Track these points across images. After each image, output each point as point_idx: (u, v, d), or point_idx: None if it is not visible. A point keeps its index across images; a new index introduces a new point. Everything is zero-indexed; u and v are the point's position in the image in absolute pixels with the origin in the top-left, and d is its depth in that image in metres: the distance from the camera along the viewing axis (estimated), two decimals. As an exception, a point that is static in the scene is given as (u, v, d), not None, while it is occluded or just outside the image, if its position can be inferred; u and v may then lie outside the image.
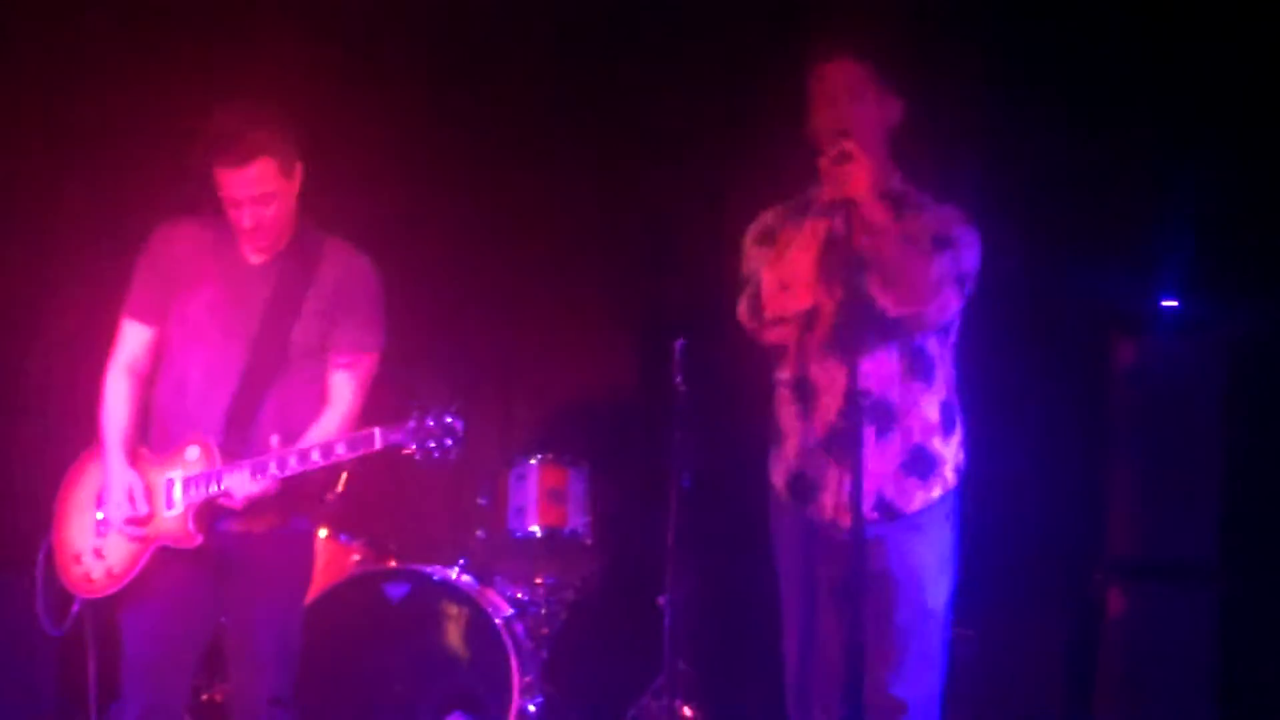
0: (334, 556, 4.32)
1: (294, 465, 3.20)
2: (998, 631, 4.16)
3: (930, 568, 3.10)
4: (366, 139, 4.35)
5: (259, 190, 3.23)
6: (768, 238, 3.12)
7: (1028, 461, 4.05)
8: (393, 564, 4.32)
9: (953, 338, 3.17)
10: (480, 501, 4.48)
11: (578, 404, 4.87)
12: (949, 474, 3.13)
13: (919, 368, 3.08)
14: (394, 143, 4.49)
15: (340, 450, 3.18)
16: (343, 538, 4.38)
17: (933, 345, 3.11)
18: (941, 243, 3.04)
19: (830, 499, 3.03)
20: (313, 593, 3.62)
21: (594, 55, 4.61)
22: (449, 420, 3.06)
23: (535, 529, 4.40)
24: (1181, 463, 4.10)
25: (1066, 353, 4.28)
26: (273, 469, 3.20)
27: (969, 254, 3.08)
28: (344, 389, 3.35)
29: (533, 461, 4.44)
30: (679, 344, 4.01)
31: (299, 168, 3.31)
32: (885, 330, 2.99)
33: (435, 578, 4.23)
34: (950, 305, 3.04)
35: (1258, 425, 4.08)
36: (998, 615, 4.14)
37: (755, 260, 3.12)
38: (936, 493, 3.09)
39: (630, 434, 4.66)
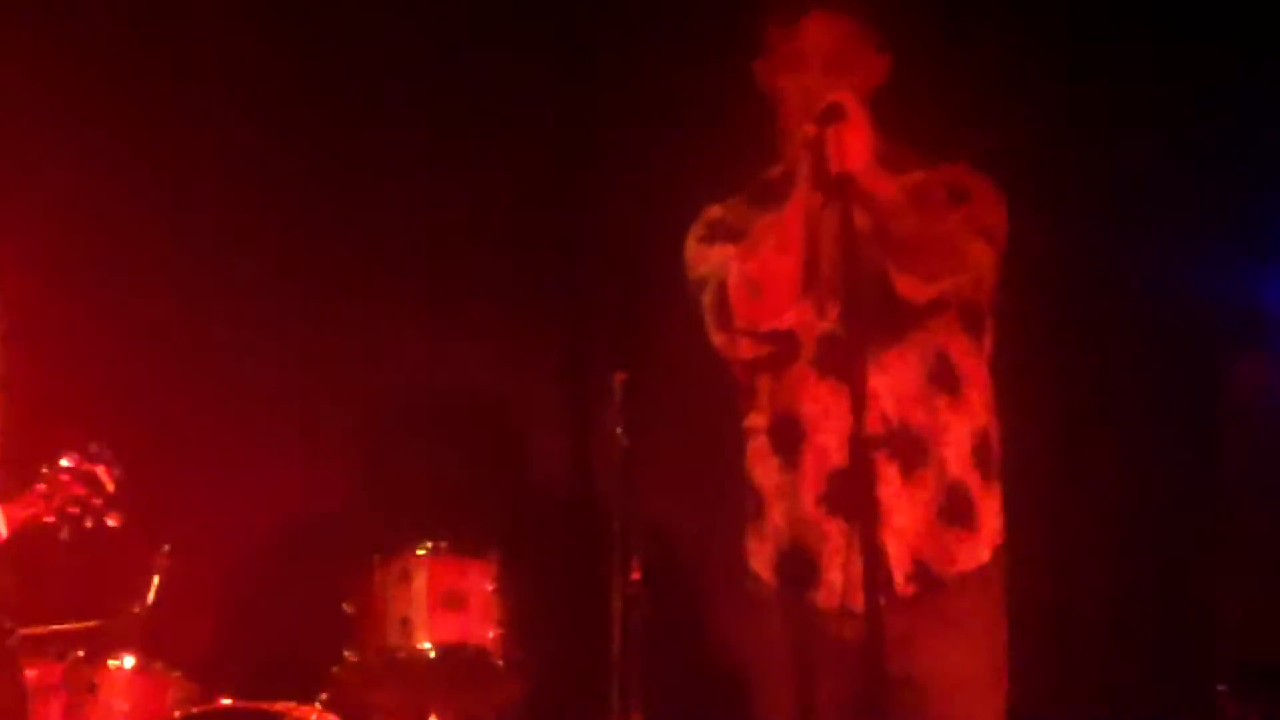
0: (146, 695, 4.24)
1: None
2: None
3: (981, 663, 3.12)
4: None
5: None
6: (720, 233, 3.19)
7: (1100, 522, 4.11)
8: (226, 702, 4.22)
9: (987, 342, 3.20)
10: (346, 609, 4.35)
11: (482, 468, 4.86)
12: (996, 527, 3.16)
13: (945, 378, 3.12)
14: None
15: None
16: (157, 667, 4.29)
17: (960, 348, 3.15)
18: (956, 195, 3.11)
19: (838, 576, 3.03)
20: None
21: (498, 39, 4.78)
22: (84, 465, 2.93)
23: (427, 647, 4.32)
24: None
25: (1157, 372, 4.32)
26: None
27: (989, 207, 3.14)
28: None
29: (421, 552, 4.35)
30: (619, 379, 3.84)
31: None
32: (907, 326, 3.05)
33: (286, 721, 4.17)
34: (985, 268, 3.09)
35: None
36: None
37: (708, 262, 3.17)
38: (987, 552, 3.12)
39: (555, 509, 4.69)
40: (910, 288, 3.04)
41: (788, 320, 3.11)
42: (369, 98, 4.76)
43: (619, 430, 3.84)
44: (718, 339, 3.17)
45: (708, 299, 3.16)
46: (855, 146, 2.92)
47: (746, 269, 3.08)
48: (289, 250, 4.78)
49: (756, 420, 3.20)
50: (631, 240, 4.37)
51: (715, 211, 3.28)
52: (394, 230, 4.84)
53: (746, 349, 3.16)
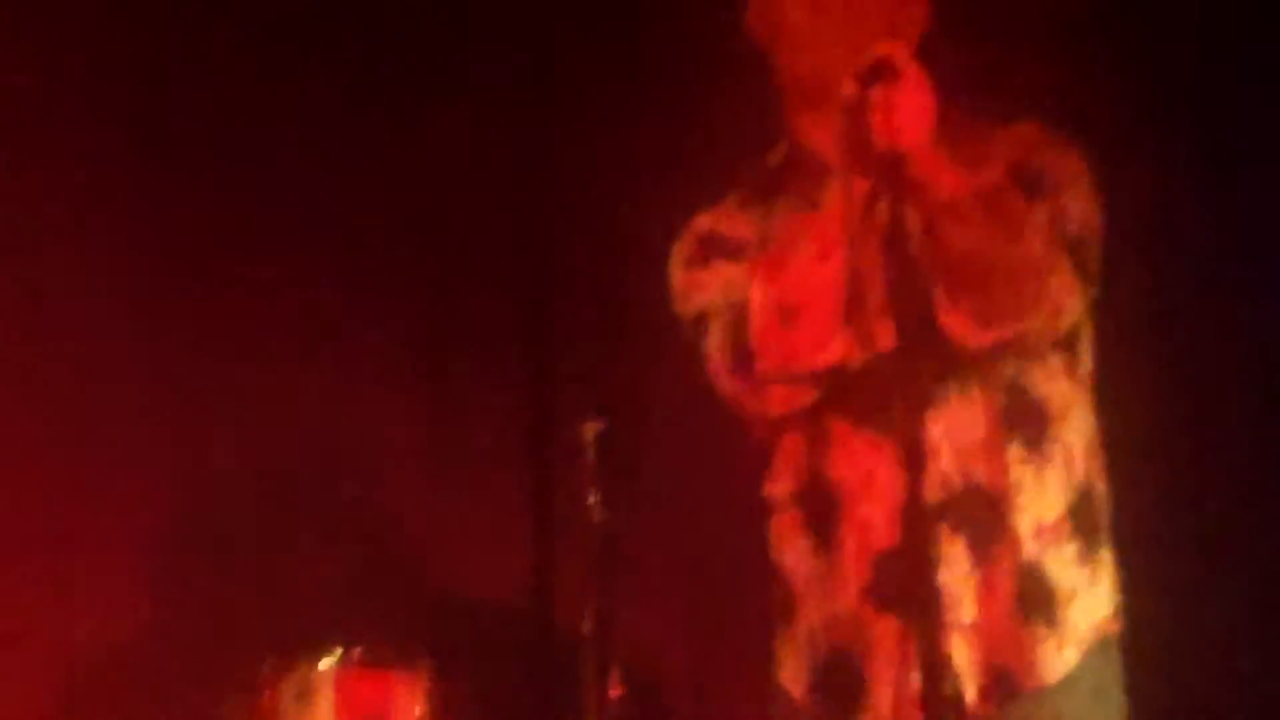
0: None
1: None
2: None
3: None
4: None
5: None
6: (716, 249, 3.06)
7: (1240, 599, 3.99)
8: None
9: (1087, 366, 3.05)
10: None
11: (409, 550, 4.54)
12: (1093, 620, 3.04)
13: (1025, 418, 2.97)
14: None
15: None
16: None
17: (1046, 375, 3.00)
18: (1027, 184, 2.93)
19: (888, 694, 2.84)
20: None
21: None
22: None
23: (337, 788, 4.05)
24: None
25: None
26: None
27: (1078, 193, 2.98)
28: None
29: (326, 664, 4.01)
30: (595, 429, 3.58)
31: None
32: (963, 373, 2.94)
33: None
34: (1065, 301, 2.93)
35: None
36: None
37: (705, 289, 3.05)
38: (1072, 654, 2.99)
39: (506, 604, 4.45)
40: (960, 327, 2.88)
41: (835, 352, 2.91)
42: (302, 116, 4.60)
43: (592, 499, 3.60)
44: (734, 390, 2.98)
45: (715, 338, 2.98)
46: (911, 116, 2.71)
47: (775, 289, 2.91)
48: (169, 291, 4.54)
49: (779, 487, 3.05)
50: (603, 259, 4.28)
51: (704, 222, 3.11)
52: (288, 254, 4.56)
53: (778, 400, 2.98)
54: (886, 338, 2.83)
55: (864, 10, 2.96)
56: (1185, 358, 4.09)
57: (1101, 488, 3.05)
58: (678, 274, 3.12)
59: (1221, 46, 4.22)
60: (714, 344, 3.00)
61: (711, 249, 3.08)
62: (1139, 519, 3.17)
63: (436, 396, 4.60)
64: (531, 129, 4.59)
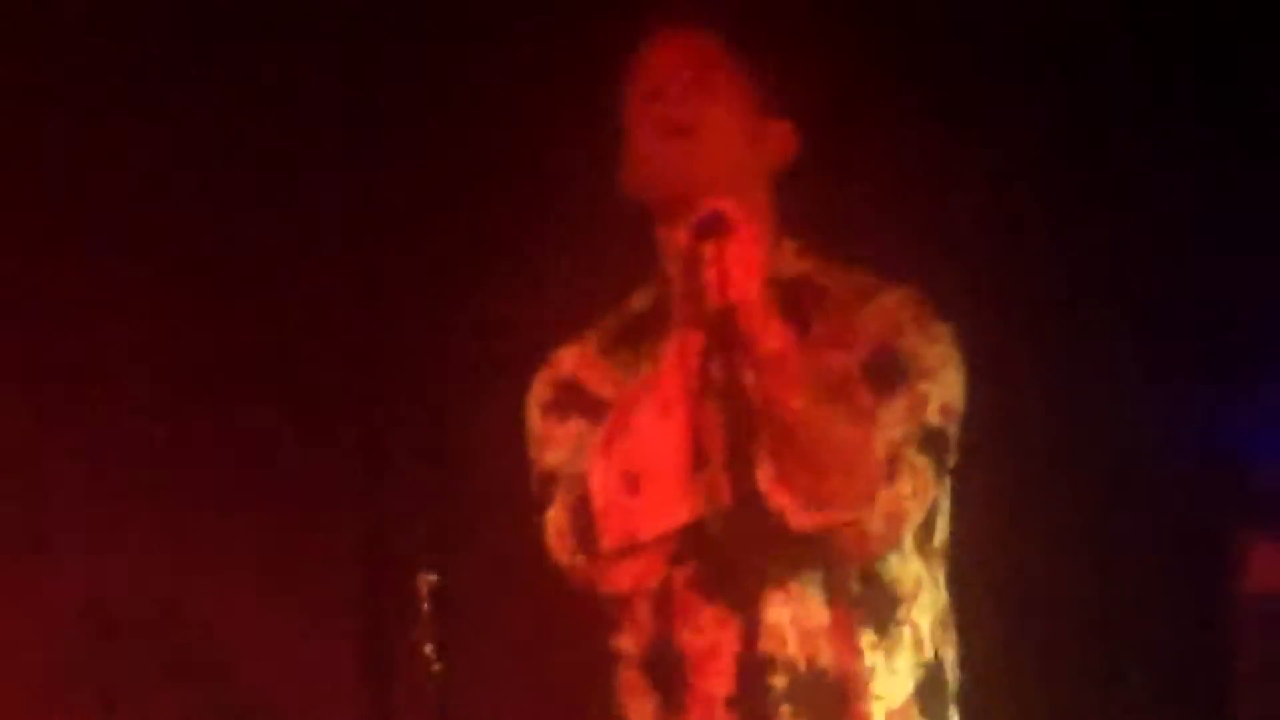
0: None
1: None
2: None
3: None
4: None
5: None
6: (573, 401, 2.92)
7: None
8: None
9: (941, 538, 2.92)
10: None
11: (244, 698, 4.39)
12: None
13: (873, 608, 2.83)
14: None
15: None
16: None
17: (898, 564, 2.86)
18: (886, 372, 2.80)
19: None
20: None
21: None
22: None
23: None
24: None
25: (1153, 554, 4.11)
26: None
27: (942, 382, 2.84)
28: None
29: None
30: (429, 581, 3.65)
31: None
32: (794, 554, 2.77)
33: None
34: (907, 507, 2.80)
35: None
36: None
37: (557, 446, 2.90)
38: None
39: None
40: (786, 504, 2.71)
41: (682, 515, 2.76)
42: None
43: (428, 649, 3.67)
44: (577, 566, 2.84)
45: (556, 514, 2.84)
46: (742, 272, 2.64)
47: (618, 460, 2.78)
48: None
49: (626, 642, 2.89)
50: (443, 388, 4.17)
51: (566, 363, 2.96)
52: (124, 391, 4.38)
53: (624, 576, 2.83)
54: (726, 499, 2.74)
55: (721, 151, 2.84)
56: (1035, 525, 4.02)
57: (951, 656, 2.95)
58: (533, 416, 2.97)
59: (1088, 250, 4.17)
60: (556, 520, 2.87)
61: (570, 401, 2.94)
62: (988, 688, 3.05)
63: (272, 543, 4.43)
64: (367, 263, 4.46)
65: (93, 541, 4.36)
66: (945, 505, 2.91)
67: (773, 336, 2.65)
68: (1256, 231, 4.23)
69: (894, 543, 2.81)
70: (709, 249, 2.61)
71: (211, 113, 4.42)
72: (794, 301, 2.79)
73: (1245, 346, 4.27)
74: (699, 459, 2.75)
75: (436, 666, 3.62)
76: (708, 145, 2.78)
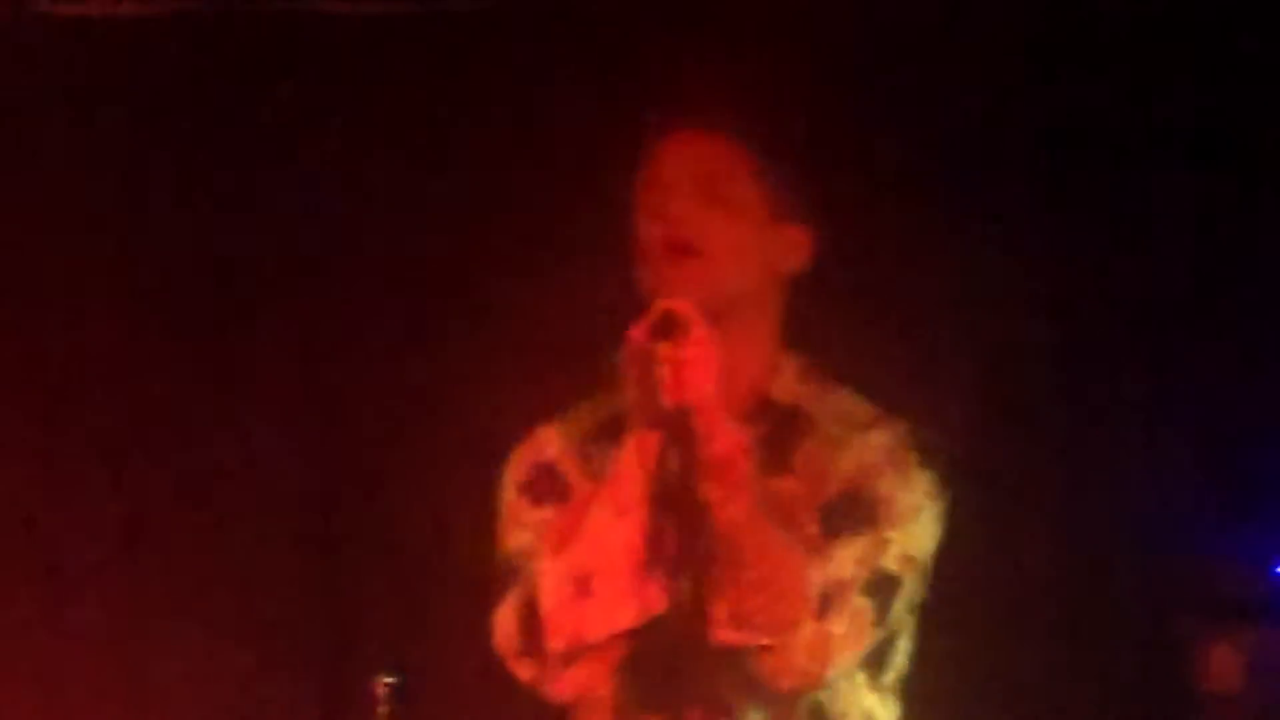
0: None
1: None
2: None
3: None
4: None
5: None
6: (550, 488, 2.93)
7: None
8: None
9: (890, 672, 2.91)
10: None
11: None
12: None
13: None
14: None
15: None
16: None
17: (849, 693, 2.86)
18: (852, 512, 2.80)
19: None
20: None
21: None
22: None
23: None
24: None
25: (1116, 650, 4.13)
26: None
27: (914, 535, 2.84)
28: None
29: None
30: (387, 683, 3.37)
31: None
32: (718, 671, 2.73)
33: None
34: (834, 646, 2.77)
35: None
36: None
37: (525, 533, 2.91)
38: None
39: None
40: (715, 616, 2.67)
41: (630, 618, 2.72)
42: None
43: None
44: (525, 671, 2.83)
45: (506, 613, 2.84)
46: (696, 371, 2.64)
47: (571, 559, 2.77)
48: None
49: None
50: (405, 479, 4.10)
51: (551, 445, 2.95)
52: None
53: (568, 683, 2.83)
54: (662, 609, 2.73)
55: (728, 265, 2.84)
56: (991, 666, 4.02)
57: None
58: (509, 493, 2.97)
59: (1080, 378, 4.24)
60: (505, 619, 2.88)
61: (546, 486, 2.95)
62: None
63: (228, 648, 4.43)
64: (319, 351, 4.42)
65: (58, 648, 4.37)
66: (903, 643, 2.89)
67: (723, 438, 2.64)
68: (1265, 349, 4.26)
69: (816, 680, 2.76)
70: (663, 349, 2.62)
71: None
72: (780, 431, 2.81)
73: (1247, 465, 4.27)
74: (651, 562, 2.72)
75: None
76: (713, 262, 2.77)
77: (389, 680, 3.39)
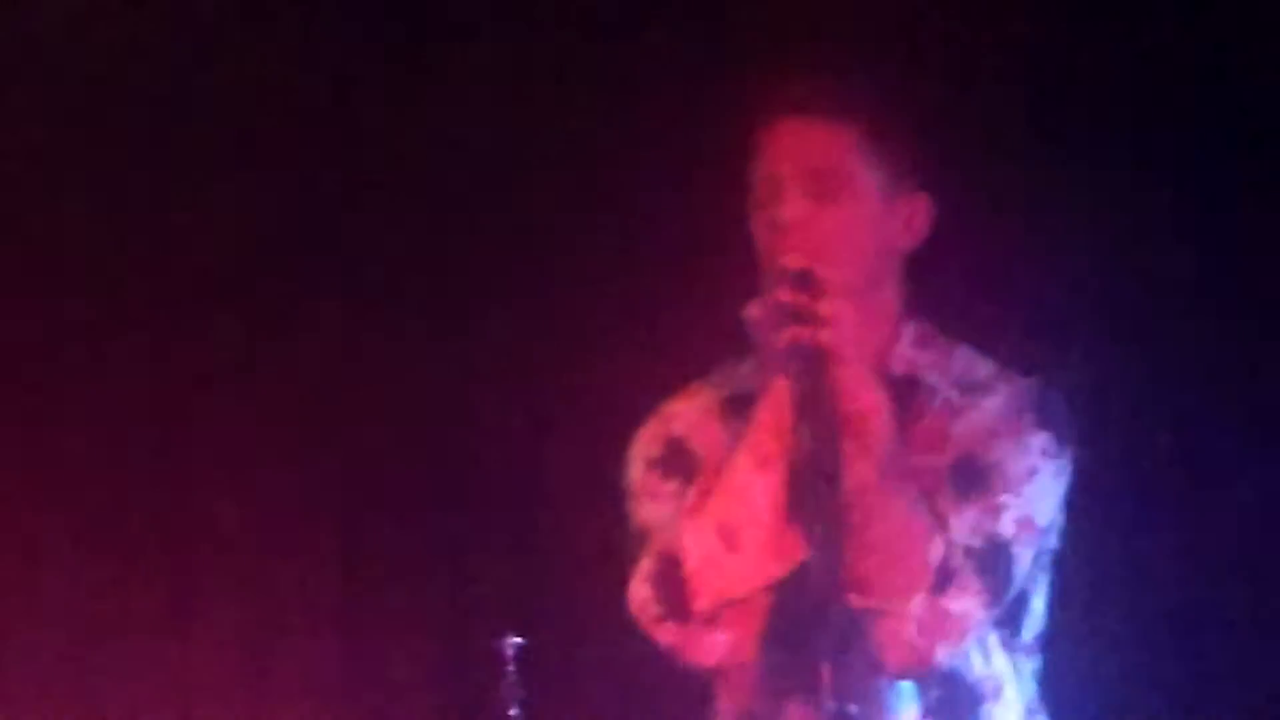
0: None
1: None
2: None
3: None
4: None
5: None
6: (681, 461, 2.88)
7: None
8: None
9: (1026, 631, 2.87)
10: None
11: None
12: None
13: (949, 708, 2.79)
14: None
15: None
16: None
17: (980, 663, 2.82)
18: (967, 479, 2.77)
19: None
20: None
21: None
22: None
23: None
24: None
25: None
26: None
27: (1030, 497, 2.81)
28: None
29: None
30: (514, 644, 3.61)
31: None
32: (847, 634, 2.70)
33: None
34: (948, 627, 2.74)
35: None
36: None
37: (657, 504, 2.87)
38: None
39: None
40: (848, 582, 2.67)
41: (775, 566, 2.70)
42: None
43: (514, 713, 3.62)
44: (666, 636, 2.77)
45: (642, 577, 2.79)
46: (837, 327, 2.66)
47: (710, 520, 2.74)
48: None
49: (726, 704, 2.84)
50: (531, 442, 4.07)
51: (680, 419, 2.91)
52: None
53: (717, 644, 2.76)
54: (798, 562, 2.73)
55: (842, 248, 2.80)
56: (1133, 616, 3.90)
57: None
58: (637, 469, 2.93)
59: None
60: (641, 584, 2.83)
61: (675, 461, 2.91)
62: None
63: (352, 609, 4.39)
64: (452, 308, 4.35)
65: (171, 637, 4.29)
66: (1037, 601, 2.88)
67: (863, 395, 2.65)
68: None
69: (924, 659, 2.75)
70: (802, 302, 2.62)
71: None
72: (900, 403, 2.76)
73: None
74: (792, 512, 2.71)
75: (523, 730, 3.74)
76: (826, 248, 2.75)
77: (516, 641, 3.60)
